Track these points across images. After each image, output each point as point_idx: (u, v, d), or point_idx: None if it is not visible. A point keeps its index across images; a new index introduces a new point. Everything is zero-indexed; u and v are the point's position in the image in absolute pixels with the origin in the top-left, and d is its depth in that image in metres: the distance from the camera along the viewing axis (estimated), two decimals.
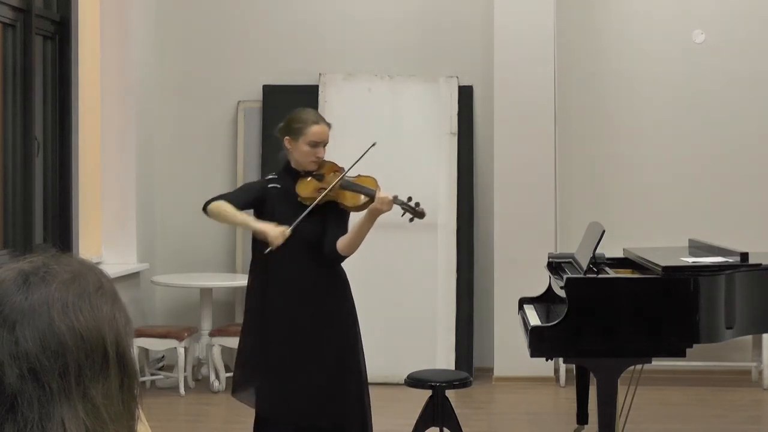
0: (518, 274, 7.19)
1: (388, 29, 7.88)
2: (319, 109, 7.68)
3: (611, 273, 4.94)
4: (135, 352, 5.63)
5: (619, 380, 4.52)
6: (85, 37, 6.95)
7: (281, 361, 4.38)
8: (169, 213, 7.95)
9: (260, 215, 4.43)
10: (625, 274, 5.05)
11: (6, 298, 1.19)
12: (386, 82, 7.72)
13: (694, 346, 4.49)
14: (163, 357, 7.68)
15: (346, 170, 4.42)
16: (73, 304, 1.20)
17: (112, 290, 1.26)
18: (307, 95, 7.74)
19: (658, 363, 5.61)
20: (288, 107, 7.74)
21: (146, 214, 7.71)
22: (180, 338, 6.96)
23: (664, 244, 6.28)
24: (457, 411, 5.13)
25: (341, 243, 4.36)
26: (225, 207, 4.39)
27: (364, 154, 4.41)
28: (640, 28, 7.80)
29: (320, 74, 7.77)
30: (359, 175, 4.48)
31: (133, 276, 7.44)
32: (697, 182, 7.75)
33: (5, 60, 5.90)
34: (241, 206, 4.42)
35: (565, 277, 4.62)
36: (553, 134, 7.51)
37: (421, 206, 4.40)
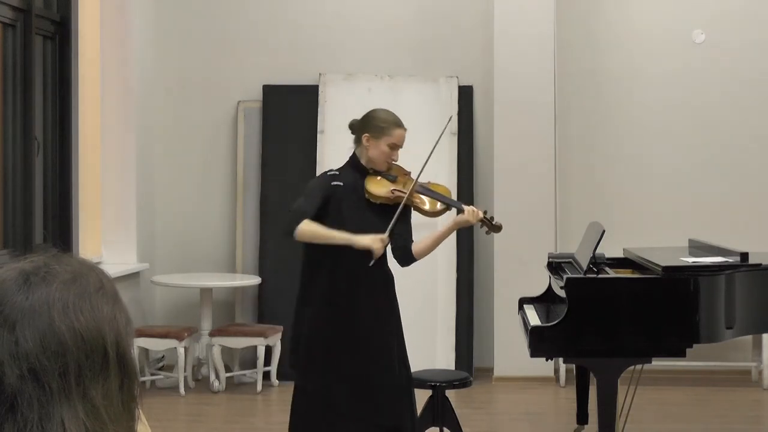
0: (518, 274, 7.19)
1: (388, 29, 7.88)
2: (319, 109, 7.69)
3: (611, 273, 4.94)
4: (135, 352, 5.63)
5: (619, 380, 4.52)
6: (85, 37, 6.95)
7: (358, 363, 4.36)
8: (169, 213, 7.95)
9: (325, 213, 4.32)
10: (625, 274, 5.05)
11: (6, 298, 1.19)
12: (386, 82, 7.72)
13: (694, 346, 4.49)
14: (163, 357, 7.68)
15: (418, 174, 4.44)
16: (73, 304, 1.20)
17: (113, 290, 1.26)
18: (307, 95, 7.75)
19: (658, 363, 5.61)
20: (288, 107, 7.85)
21: (146, 214, 7.71)
22: (180, 338, 6.96)
23: (664, 244, 6.28)
24: (457, 411, 5.14)
25: (417, 248, 4.45)
26: (314, 228, 4.25)
27: (436, 144, 4.58)
28: (640, 28, 7.80)
29: (320, 74, 7.76)
30: (430, 182, 4.58)
31: (133, 276, 7.44)
32: (697, 182, 7.74)
33: (5, 60, 5.90)
34: (317, 214, 4.30)
35: (565, 277, 4.62)
36: (553, 134, 7.51)
37: (497, 221, 4.52)
